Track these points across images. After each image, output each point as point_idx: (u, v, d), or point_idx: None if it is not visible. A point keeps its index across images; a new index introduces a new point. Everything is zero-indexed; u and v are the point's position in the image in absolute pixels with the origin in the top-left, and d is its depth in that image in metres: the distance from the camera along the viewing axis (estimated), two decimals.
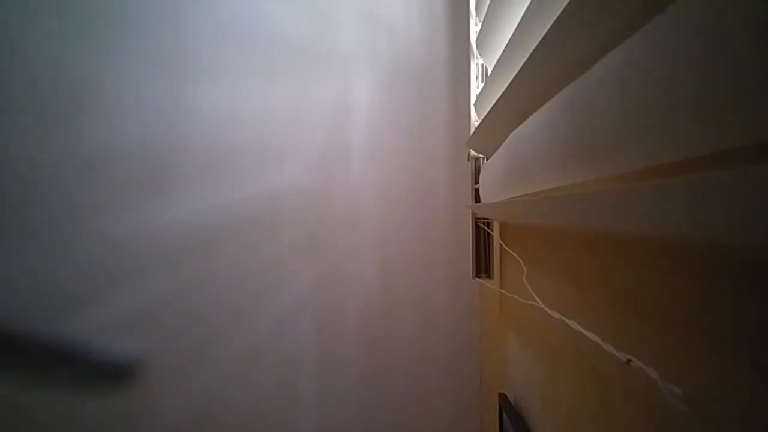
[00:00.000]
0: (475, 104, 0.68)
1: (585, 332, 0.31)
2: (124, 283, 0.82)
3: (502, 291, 0.68)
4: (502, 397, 0.63)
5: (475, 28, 0.77)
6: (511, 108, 0.45)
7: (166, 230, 0.83)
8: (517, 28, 0.39)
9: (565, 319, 0.34)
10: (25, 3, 0.80)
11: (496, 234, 0.74)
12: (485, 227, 0.76)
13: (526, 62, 0.35)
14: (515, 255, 0.57)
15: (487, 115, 0.51)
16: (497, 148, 0.50)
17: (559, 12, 0.27)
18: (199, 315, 0.84)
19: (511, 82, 0.39)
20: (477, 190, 0.74)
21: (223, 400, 0.85)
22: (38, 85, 0.80)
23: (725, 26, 0.14)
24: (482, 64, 0.76)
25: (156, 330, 0.82)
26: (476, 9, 0.75)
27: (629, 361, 0.26)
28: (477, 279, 0.77)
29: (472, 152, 0.76)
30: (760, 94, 0.13)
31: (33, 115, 0.79)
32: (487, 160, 0.73)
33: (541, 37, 0.31)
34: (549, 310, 0.38)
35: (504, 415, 0.60)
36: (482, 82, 0.77)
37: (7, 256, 0.78)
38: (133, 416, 0.81)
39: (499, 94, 0.44)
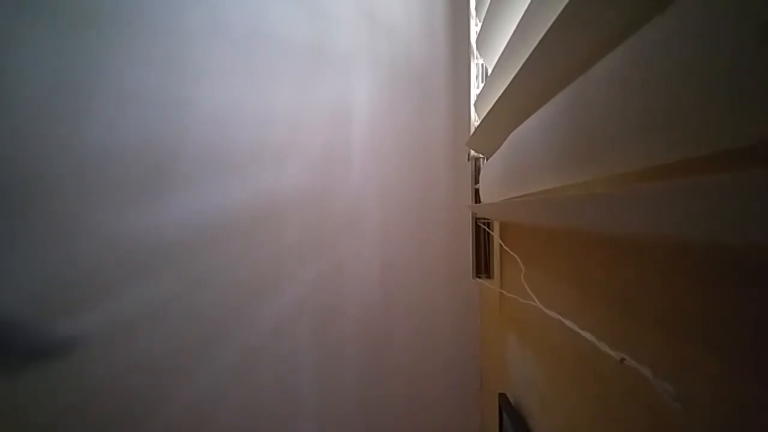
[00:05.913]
0: (475, 104, 0.68)
1: (581, 332, 0.31)
2: (124, 283, 0.82)
3: (502, 291, 0.68)
4: (502, 397, 0.63)
5: (475, 28, 0.77)
6: (511, 108, 0.45)
7: (167, 230, 0.83)
8: (517, 28, 0.39)
9: (562, 318, 0.34)
10: (26, 3, 0.80)
11: (496, 234, 0.74)
12: (485, 227, 0.76)
13: (526, 62, 0.35)
14: (515, 255, 0.57)
15: (487, 115, 0.51)
16: (497, 148, 0.50)
17: (558, 12, 0.27)
18: (199, 315, 0.84)
19: (511, 82, 0.39)
20: (477, 190, 0.74)
21: (223, 400, 0.85)
22: (38, 85, 0.80)
23: (727, 27, 0.14)
24: (482, 64, 0.76)
25: (156, 330, 0.82)
26: (476, 9, 0.75)
27: (623, 359, 0.26)
28: (477, 279, 0.77)
29: (472, 152, 0.76)
30: (760, 94, 0.13)
31: (33, 116, 0.79)
32: (487, 160, 0.73)
33: (541, 37, 0.31)
34: (546, 310, 0.38)
35: (504, 415, 0.60)
36: (482, 82, 0.77)
37: (7, 256, 0.78)
38: (134, 416, 0.81)
39: (499, 94, 0.44)
